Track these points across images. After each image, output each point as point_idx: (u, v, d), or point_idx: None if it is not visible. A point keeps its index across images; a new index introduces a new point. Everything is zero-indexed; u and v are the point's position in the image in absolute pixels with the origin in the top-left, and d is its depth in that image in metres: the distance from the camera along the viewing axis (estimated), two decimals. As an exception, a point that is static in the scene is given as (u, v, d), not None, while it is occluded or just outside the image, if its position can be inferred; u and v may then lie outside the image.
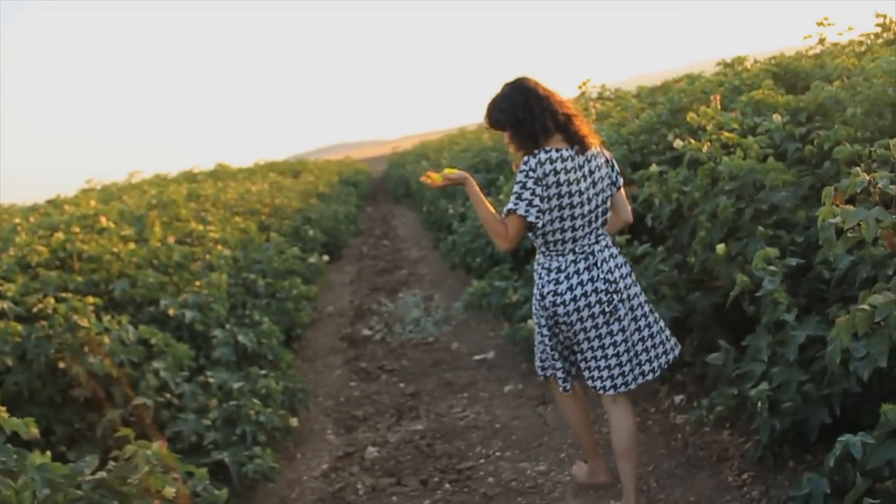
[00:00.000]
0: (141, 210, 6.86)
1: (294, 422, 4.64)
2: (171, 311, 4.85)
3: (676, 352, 3.20)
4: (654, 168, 4.32)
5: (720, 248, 3.46)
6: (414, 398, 5.26)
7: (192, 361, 4.51)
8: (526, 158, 2.95)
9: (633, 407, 3.36)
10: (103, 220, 5.45)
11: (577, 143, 2.97)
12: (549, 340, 3.17)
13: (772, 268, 3.02)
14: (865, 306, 2.01)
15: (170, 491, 2.86)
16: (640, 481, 3.42)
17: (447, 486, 3.87)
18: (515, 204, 2.93)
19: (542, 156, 2.91)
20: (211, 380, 4.42)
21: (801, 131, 4.10)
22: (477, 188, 3.15)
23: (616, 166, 3.17)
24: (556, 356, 3.19)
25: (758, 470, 3.26)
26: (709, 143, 3.75)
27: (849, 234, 2.00)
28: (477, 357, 5.89)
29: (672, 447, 3.76)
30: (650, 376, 3.13)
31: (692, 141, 3.87)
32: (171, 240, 5.80)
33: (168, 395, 4.15)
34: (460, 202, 9.24)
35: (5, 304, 4.22)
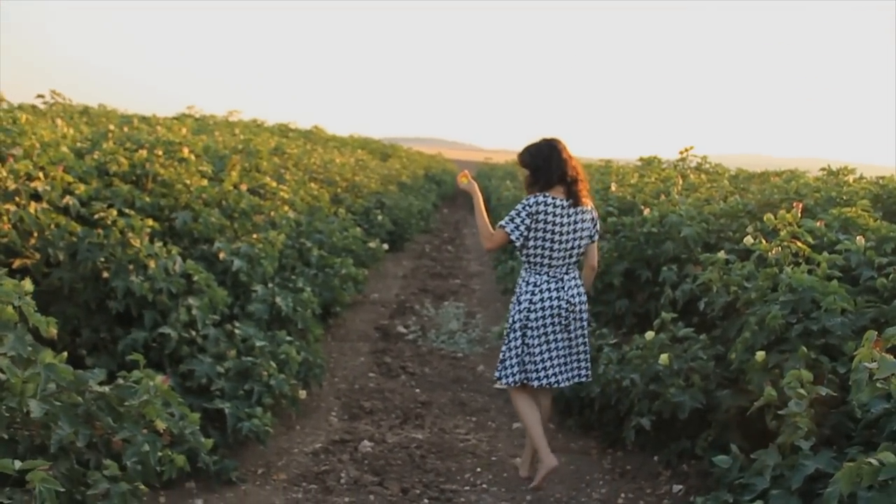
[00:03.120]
0: (226, 151, 7.04)
1: (303, 394, 4.71)
2: (221, 255, 4.97)
3: (584, 378, 4.16)
4: (721, 255, 4.24)
5: (759, 355, 3.38)
6: (424, 407, 5.27)
7: (226, 308, 4.61)
8: (528, 196, 3.92)
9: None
10: (185, 150, 5.61)
11: (573, 198, 3.90)
12: (516, 342, 4.00)
13: (801, 391, 2.94)
14: (873, 461, 1.94)
15: (160, 424, 2.94)
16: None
17: (426, 501, 3.87)
18: (506, 223, 3.91)
19: (540, 198, 3.88)
20: (237, 331, 4.52)
21: (881, 261, 3.95)
22: (480, 200, 4.16)
23: (598, 224, 4.10)
24: (517, 360, 4.01)
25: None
26: (779, 248, 3.66)
27: (878, 384, 1.94)
28: (498, 386, 5.84)
29: (656, 534, 3.68)
30: (565, 383, 4.08)
31: (764, 241, 3.79)
32: (243, 187, 5.94)
33: (193, 333, 4.25)
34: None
35: (72, 201, 4.38)
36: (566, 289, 3.96)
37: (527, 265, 4.00)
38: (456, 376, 6.00)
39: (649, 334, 4.28)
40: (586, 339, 4.10)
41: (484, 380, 5.99)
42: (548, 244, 3.88)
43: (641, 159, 10.75)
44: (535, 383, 3.99)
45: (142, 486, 2.83)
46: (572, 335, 4.02)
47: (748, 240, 3.87)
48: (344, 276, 6.89)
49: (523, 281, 4.02)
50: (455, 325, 7.42)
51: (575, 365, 4.08)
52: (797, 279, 3.40)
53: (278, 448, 4.35)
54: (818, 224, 4.30)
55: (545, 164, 3.93)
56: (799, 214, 3.87)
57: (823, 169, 7.23)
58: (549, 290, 3.93)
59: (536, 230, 3.86)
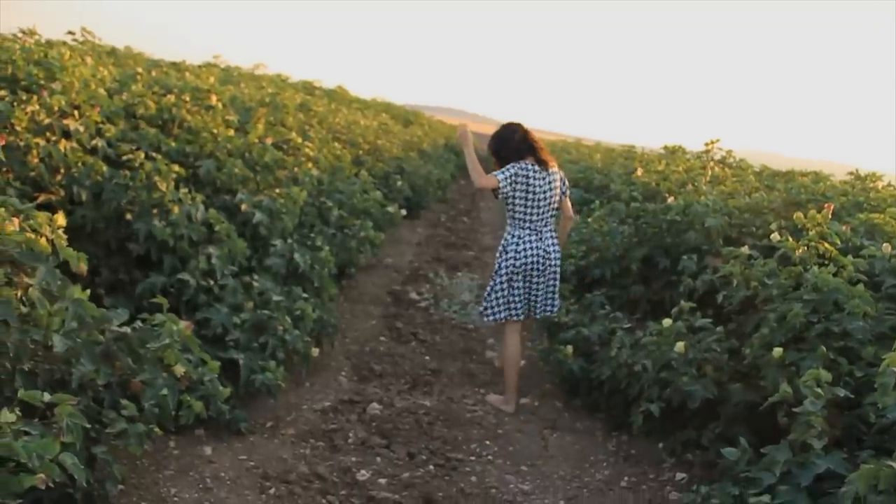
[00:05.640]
0: (252, 103, 7.02)
1: (315, 352, 4.73)
2: (243, 207, 4.97)
3: (555, 311, 5.00)
4: (744, 250, 4.22)
5: (777, 351, 3.37)
6: (433, 374, 5.29)
7: (244, 260, 4.63)
8: (511, 164, 4.69)
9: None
10: (214, 98, 5.60)
11: (541, 164, 4.72)
12: (502, 286, 4.79)
13: (819, 390, 2.93)
14: (894, 464, 1.94)
15: (180, 369, 2.96)
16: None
17: (431, 467, 3.90)
18: (499, 174, 4.65)
19: (521, 164, 4.68)
20: (255, 284, 4.53)
21: (906, 270, 3.93)
22: (472, 149, 4.85)
23: (566, 182, 5.00)
24: (503, 300, 4.80)
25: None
26: (805, 248, 3.64)
27: (905, 390, 1.94)
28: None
29: (656, 520, 3.70)
30: (541, 314, 4.95)
31: (790, 238, 3.76)
32: (268, 141, 5.93)
33: (211, 282, 4.26)
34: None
35: (100, 143, 4.39)
36: (543, 240, 4.78)
37: (511, 221, 4.79)
38: (466, 347, 6.01)
39: (666, 321, 4.27)
40: (557, 281, 4.94)
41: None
42: (530, 202, 4.68)
43: (666, 147, 10.68)
44: (521, 316, 4.84)
45: (157, 429, 2.87)
46: (547, 278, 4.84)
47: (775, 236, 3.85)
48: (362, 238, 6.89)
49: (509, 235, 4.81)
50: (468, 297, 7.42)
51: (546, 301, 4.90)
52: (823, 279, 3.38)
53: (287, 403, 4.39)
54: (845, 228, 4.28)
55: (509, 143, 4.77)
56: (829, 216, 3.84)
57: (851, 173, 7.17)
58: (530, 241, 4.75)
59: (522, 191, 4.65)
